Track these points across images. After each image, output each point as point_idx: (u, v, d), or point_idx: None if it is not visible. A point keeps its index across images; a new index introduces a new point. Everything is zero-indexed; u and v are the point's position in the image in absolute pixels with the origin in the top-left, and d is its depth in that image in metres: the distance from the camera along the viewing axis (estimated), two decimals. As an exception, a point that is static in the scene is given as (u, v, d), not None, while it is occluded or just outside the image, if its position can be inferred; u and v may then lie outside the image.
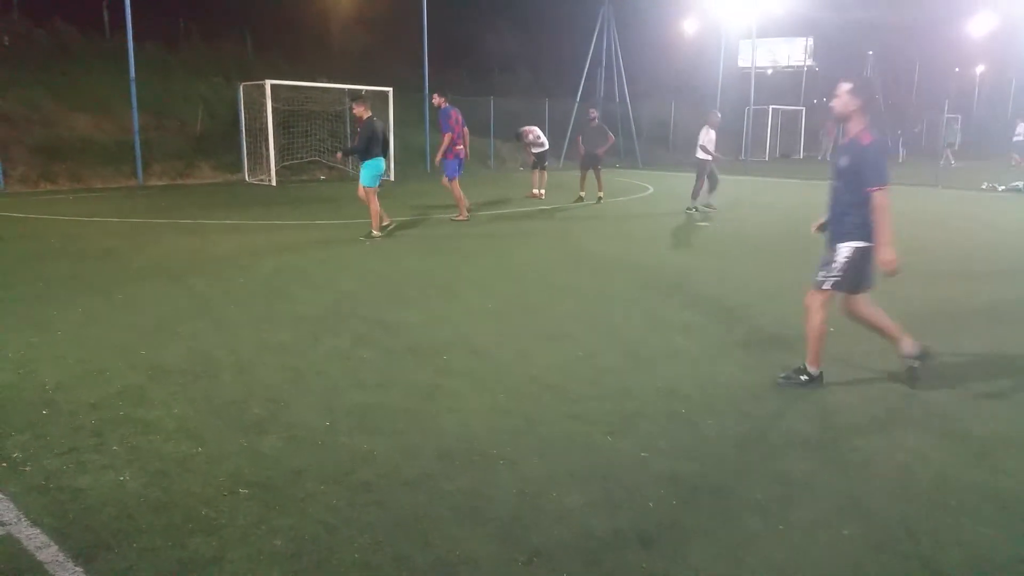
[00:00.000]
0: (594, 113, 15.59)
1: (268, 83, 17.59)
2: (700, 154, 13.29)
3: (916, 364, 4.80)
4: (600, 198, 15.11)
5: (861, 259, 4.53)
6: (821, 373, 4.78)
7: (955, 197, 17.76)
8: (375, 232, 10.23)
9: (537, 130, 16.09)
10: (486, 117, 24.99)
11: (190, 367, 4.89)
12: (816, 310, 4.64)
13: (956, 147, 24.97)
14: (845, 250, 4.54)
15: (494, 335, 5.81)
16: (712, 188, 13.68)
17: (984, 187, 19.36)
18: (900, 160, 30.91)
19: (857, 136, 4.48)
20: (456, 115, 11.92)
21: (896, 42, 38.91)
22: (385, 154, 10.22)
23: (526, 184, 16.88)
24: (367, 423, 4.06)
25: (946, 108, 26.30)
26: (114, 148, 18.03)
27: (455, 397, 4.48)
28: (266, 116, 17.71)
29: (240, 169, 19.17)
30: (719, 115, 13.57)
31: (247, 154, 19.00)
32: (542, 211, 13.93)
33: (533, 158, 16.07)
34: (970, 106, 42.40)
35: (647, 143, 29.33)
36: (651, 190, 18.23)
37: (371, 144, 9.88)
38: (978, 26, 38.44)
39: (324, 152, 20.58)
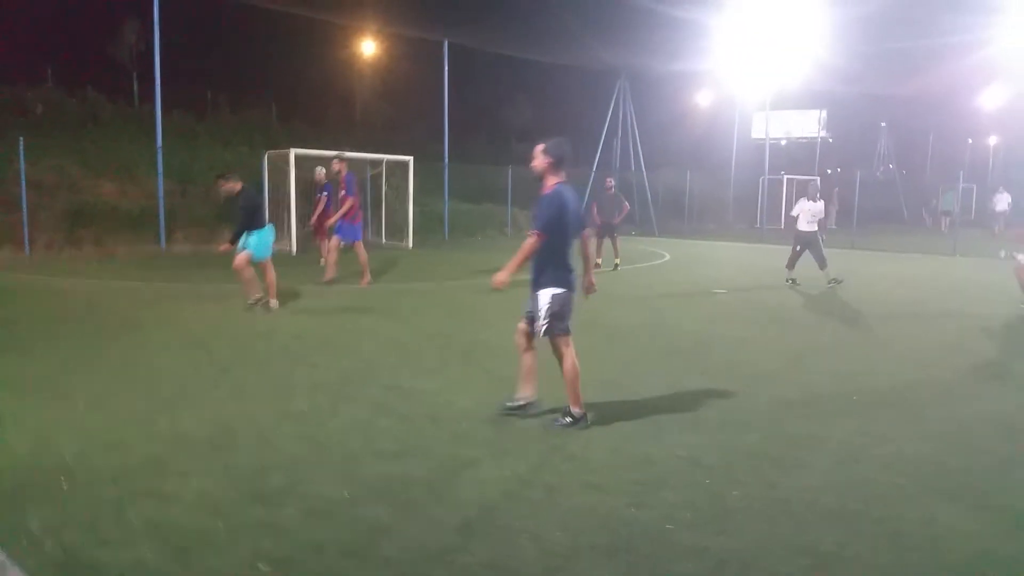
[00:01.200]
0: (611, 182, 15.77)
1: (292, 151, 18.00)
2: (802, 225, 13.03)
3: (516, 408, 5.30)
4: (617, 265, 15.18)
5: (560, 303, 5.01)
6: (585, 414, 5.14)
7: (970, 265, 17.69)
8: (272, 301, 9.62)
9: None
10: (504, 185, 25.37)
11: (209, 437, 4.88)
12: (565, 354, 5.12)
13: (954, 215, 25.24)
14: (544, 297, 5.03)
15: (514, 404, 5.77)
16: (794, 261, 13.20)
17: (1003, 256, 19.31)
18: (929, 226, 31.21)
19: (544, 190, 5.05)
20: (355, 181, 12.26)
21: (909, 113, 39.36)
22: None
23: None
24: (387, 495, 4.01)
25: (961, 178, 26.45)
26: (138, 214, 18.39)
27: (475, 467, 4.43)
28: (289, 184, 18.07)
29: (261, 236, 19.48)
30: (817, 183, 13.36)
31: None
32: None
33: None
34: (985, 176, 42.63)
35: (663, 211, 29.62)
36: (667, 257, 18.30)
37: (259, 212, 9.67)
38: (990, 99, 38.93)
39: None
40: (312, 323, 9.07)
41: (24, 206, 16.04)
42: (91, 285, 11.85)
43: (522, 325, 5.27)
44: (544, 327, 5.05)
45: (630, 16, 19.00)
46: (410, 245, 19.88)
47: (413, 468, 4.40)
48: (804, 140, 37.84)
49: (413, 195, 20.03)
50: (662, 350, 7.86)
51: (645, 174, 28.99)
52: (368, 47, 30.43)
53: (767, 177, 29.70)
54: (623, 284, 13.35)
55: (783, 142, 37.53)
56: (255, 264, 9.44)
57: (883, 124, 42.94)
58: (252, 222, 9.42)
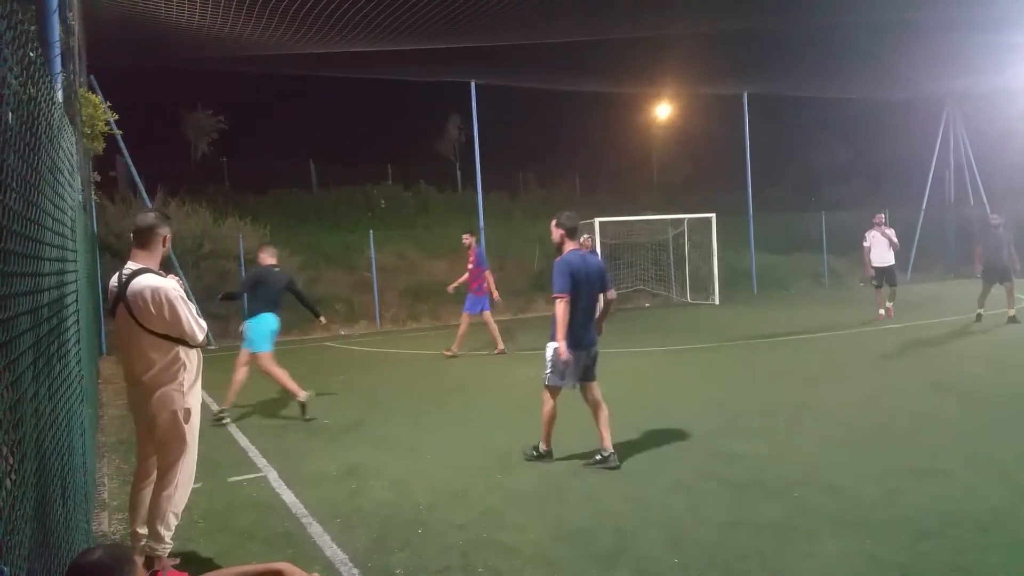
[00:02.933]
0: (996, 219, 13.17)
1: (597, 220, 18.75)
2: None
3: (595, 462, 5.66)
4: (1012, 316, 12.52)
5: (557, 356, 5.54)
6: (550, 451, 5.85)
7: None
8: (302, 396, 7.74)
9: (877, 235, 13.82)
10: (817, 233, 23.78)
11: (541, 492, 5.12)
12: (544, 400, 5.79)
13: None
14: (548, 350, 5.65)
15: (851, 469, 5.25)
16: None
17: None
18: None
19: None
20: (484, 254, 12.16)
21: None
22: (276, 309, 7.76)
23: (866, 301, 15.46)
24: (718, 563, 3.85)
25: None
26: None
27: (813, 540, 4.08)
28: (595, 251, 18.79)
29: (571, 301, 20.41)
30: None
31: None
32: (891, 331, 12.56)
33: (872, 272, 14.04)
34: None
35: (1017, 248, 25.40)
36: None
37: (257, 290, 7.72)
38: None
39: (648, 281, 21.18)
40: (628, 383, 9.15)
41: (375, 287, 18.66)
42: (430, 354, 13.26)
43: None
44: (547, 375, 5.70)
45: (957, 42, 16.75)
46: (717, 301, 19.43)
47: (743, 538, 4.17)
48: None
49: (717, 251, 19.64)
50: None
51: (987, 206, 25.20)
52: (663, 110, 30.85)
53: None
54: (973, 337, 11.54)
55: None
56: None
57: None
58: (242, 295, 8.13)
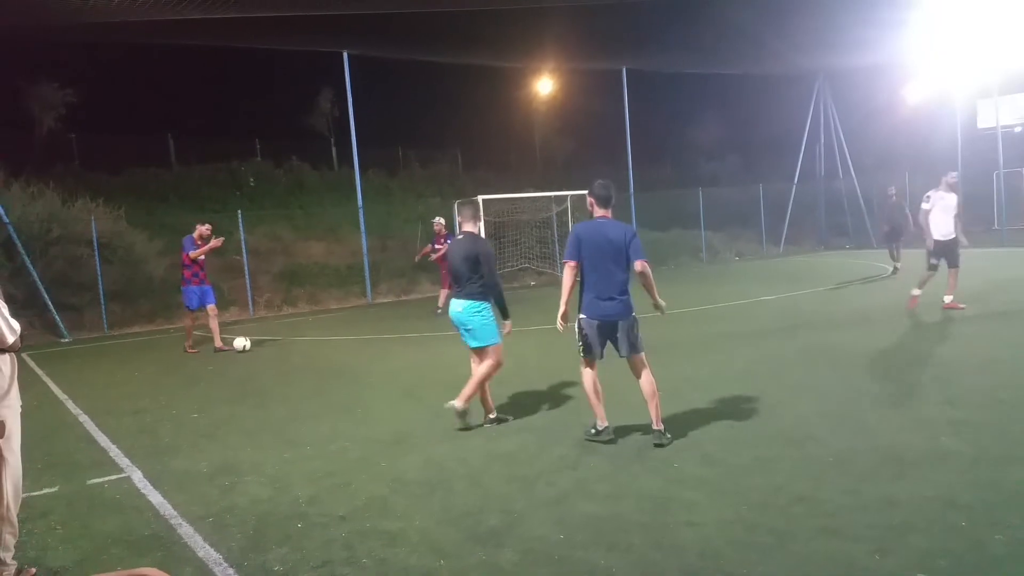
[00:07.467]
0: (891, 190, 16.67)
1: (480, 198, 18.64)
2: None
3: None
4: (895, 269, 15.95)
5: (581, 329, 5.64)
6: (608, 427, 5.60)
7: None
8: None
9: (944, 196, 10.76)
10: (695, 209, 24.67)
11: (426, 478, 5.03)
12: (582, 374, 5.74)
13: None
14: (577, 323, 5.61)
15: (727, 439, 5.46)
16: None
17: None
18: None
19: None
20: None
21: None
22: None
23: (739, 276, 16.14)
24: (602, 537, 3.90)
25: None
26: (345, 271, 19.88)
27: (692, 509, 4.20)
28: (479, 230, 18.73)
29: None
30: None
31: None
32: (762, 302, 13.22)
33: (931, 245, 10.90)
34: None
35: (879, 219, 27.30)
36: (890, 270, 16.74)
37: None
38: None
39: (533, 259, 21.37)
40: (512, 364, 9.12)
41: (247, 271, 17.83)
42: (309, 340, 12.85)
43: None
44: (578, 349, 5.62)
45: (823, 14, 17.58)
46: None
47: (626, 510, 4.25)
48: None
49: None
50: (895, 377, 7.11)
51: (856, 180, 26.86)
52: (545, 86, 30.94)
53: (1002, 171, 26.31)
54: (842, 304, 12.25)
55: (1017, 129, 32.56)
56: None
57: None
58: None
